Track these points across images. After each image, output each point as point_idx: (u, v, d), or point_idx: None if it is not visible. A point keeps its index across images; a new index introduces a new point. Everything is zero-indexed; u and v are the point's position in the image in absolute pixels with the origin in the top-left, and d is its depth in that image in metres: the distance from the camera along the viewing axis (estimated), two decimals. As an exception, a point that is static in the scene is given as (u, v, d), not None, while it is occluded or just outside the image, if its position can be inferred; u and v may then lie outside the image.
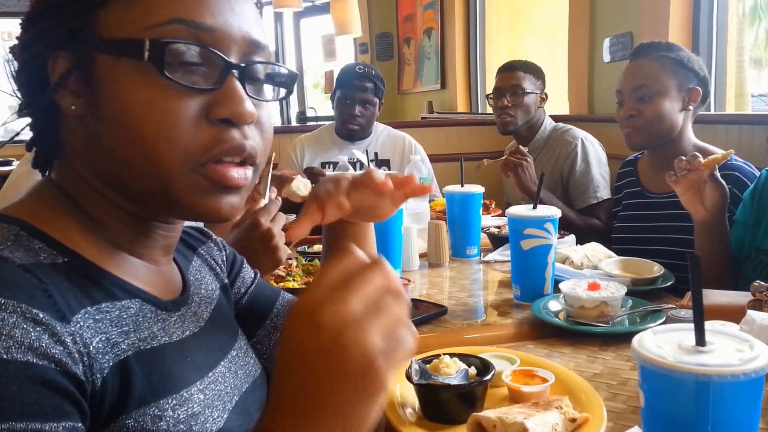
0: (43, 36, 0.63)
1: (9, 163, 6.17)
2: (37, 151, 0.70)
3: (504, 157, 2.30)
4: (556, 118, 2.77)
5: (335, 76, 3.01)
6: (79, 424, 0.53)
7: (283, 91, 0.73)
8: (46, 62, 0.63)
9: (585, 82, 3.27)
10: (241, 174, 0.65)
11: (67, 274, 0.60)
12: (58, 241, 0.62)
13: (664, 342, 0.66)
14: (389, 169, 2.78)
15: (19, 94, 0.67)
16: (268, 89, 0.70)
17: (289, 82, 0.72)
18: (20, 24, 0.66)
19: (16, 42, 0.66)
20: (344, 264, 0.51)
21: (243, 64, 0.64)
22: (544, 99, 2.64)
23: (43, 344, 0.52)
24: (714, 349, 0.64)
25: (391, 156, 2.95)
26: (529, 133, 2.63)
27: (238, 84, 0.63)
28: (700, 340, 0.64)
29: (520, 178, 2.20)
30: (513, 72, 2.61)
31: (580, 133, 2.54)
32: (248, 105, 0.63)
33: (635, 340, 0.67)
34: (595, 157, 2.48)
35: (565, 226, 2.20)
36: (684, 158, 1.44)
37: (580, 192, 2.44)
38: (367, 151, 2.63)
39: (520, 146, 2.31)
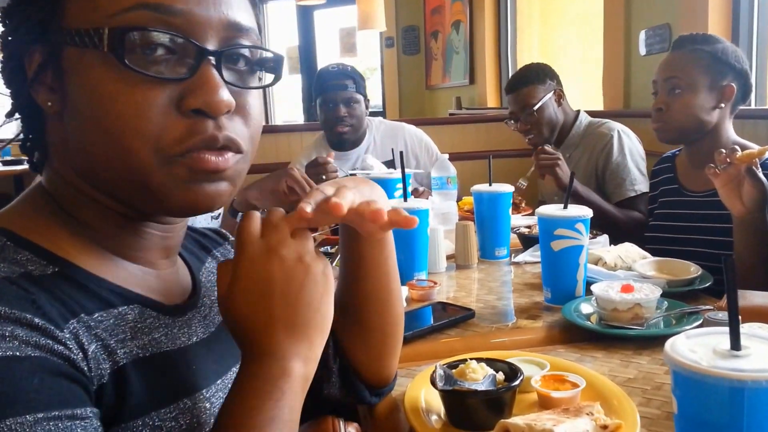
0: (18, 30, 0.62)
1: (21, 162, 6.29)
2: (29, 153, 0.68)
3: (533, 167, 2.23)
4: (591, 114, 2.69)
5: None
6: (96, 410, 0.53)
7: (270, 77, 0.69)
8: (23, 57, 0.62)
9: (621, 76, 3.20)
10: (221, 158, 0.62)
11: (57, 284, 0.58)
12: (47, 250, 0.60)
13: (698, 346, 0.64)
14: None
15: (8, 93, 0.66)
16: (256, 75, 0.67)
17: (276, 66, 0.68)
18: None
19: None
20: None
21: (219, 50, 0.61)
22: (561, 95, 2.54)
23: (48, 343, 0.51)
24: (750, 353, 0.62)
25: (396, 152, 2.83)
26: (561, 134, 2.56)
27: (213, 72, 0.60)
28: (735, 344, 0.62)
29: (558, 177, 2.15)
30: (517, 92, 2.52)
31: (616, 125, 2.46)
32: (223, 94, 0.60)
33: (668, 344, 0.65)
34: (631, 149, 2.40)
35: (604, 221, 2.15)
36: (724, 151, 1.39)
37: (617, 185, 2.35)
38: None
39: (545, 146, 2.26)
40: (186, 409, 0.62)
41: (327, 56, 7.11)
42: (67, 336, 0.54)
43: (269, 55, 0.68)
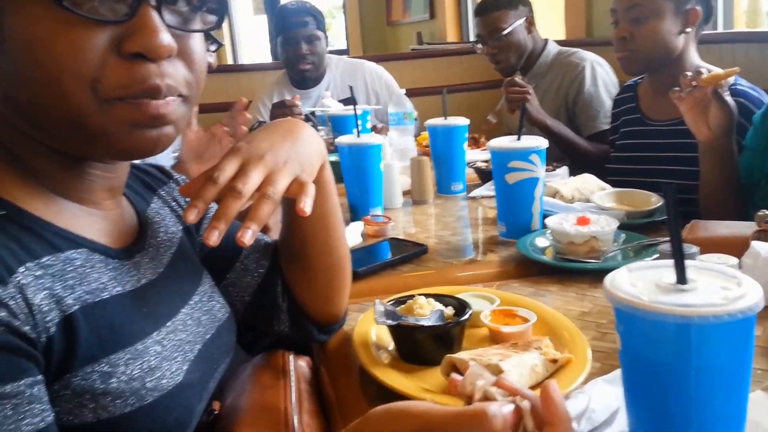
0: None
1: None
2: None
3: (502, 101, 2.18)
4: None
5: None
6: (39, 377, 0.53)
7: (213, 18, 0.65)
8: None
9: (582, 3, 3.11)
10: (162, 104, 0.60)
11: (3, 228, 0.57)
12: None
13: (640, 280, 0.58)
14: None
15: None
16: (197, 17, 0.64)
17: (219, 8, 0.65)
18: None
19: None
20: None
21: None
22: (532, 23, 2.47)
23: None
24: (696, 287, 0.56)
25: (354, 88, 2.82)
26: (528, 62, 2.49)
27: (153, 14, 0.57)
28: (681, 277, 0.57)
29: (529, 111, 2.09)
30: (488, 15, 2.44)
31: (589, 56, 2.38)
32: (163, 37, 0.57)
33: (608, 278, 0.59)
34: (605, 80, 2.34)
35: (575, 155, 2.13)
36: (689, 74, 1.35)
37: (590, 117, 2.30)
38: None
39: (515, 78, 2.18)
40: (137, 354, 0.62)
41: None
42: (12, 292, 0.53)
43: None
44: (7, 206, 0.59)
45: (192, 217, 0.64)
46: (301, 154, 0.74)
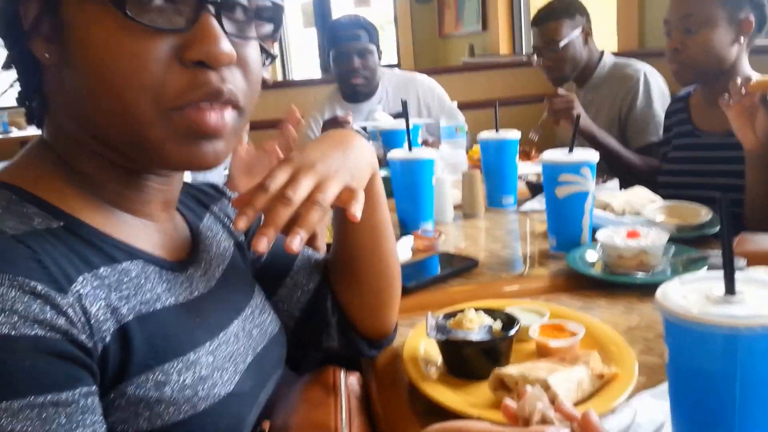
0: None
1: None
2: (27, 107, 0.67)
3: (544, 115, 2.14)
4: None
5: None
6: (93, 387, 0.54)
7: (270, 27, 0.67)
8: (18, 7, 0.60)
9: (635, 14, 3.06)
10: (220, 117, 0.61)
11: (63, 239, 0.58)
12: (52, 205, 0.60)
13: (691, 292, 0.60)
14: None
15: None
16: (253, 26, 0.65)
17: (275, 16, 0.67)
18: None
19: None
20: None
21: (217, 0, 0.59)
22: (589, 34, 2.43)
23: (47, 316, 0.51)
24: (744, 298, 0.58)
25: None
26: (583, 74, 2.46)
27: (213, 22, 0.59)
28: (730, 288, 0.58)
29: (574, 120, 2.07)
30: (545, 25, 2.40)
31: (643, 67, 2.34)
32: (224, 45, 0.59)
33: (659, 290, 0.61)
34: (658, 92, 2.29)
35: (620, 167, 2.09)
36: (739, 80, 1.34)
37: (640, 129, 2.26)
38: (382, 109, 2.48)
39: (559, 89, 2.16)
40: (190, 363, 0.63)
41: (341, 9, 7.00)
42: (71, 301, 0.54)
43: (267, 3, 0.66)
44: (67, 218, 0.60)
45: (242, 224, 0.64)
46: (351, 164, 0.74)
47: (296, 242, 0.64)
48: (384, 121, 2.48)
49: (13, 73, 0.65)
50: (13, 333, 0.49)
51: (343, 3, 7.01)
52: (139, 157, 0.63)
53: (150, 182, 0.68)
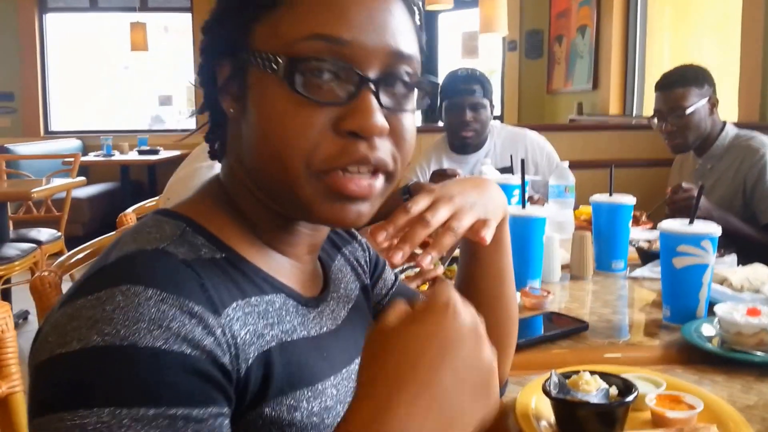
0: (213, 44, 0.71)
1: (156, 152, 6.81)
2: (211, 145, 0.78)
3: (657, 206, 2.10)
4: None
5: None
6: (225, 409, 0.58)
7: (426, 102, 0.73)
8: (215, 67, 0.70)
9: (758, 86, 3.00)
10: (365, 184, 0.67)
11: (223, 268, 0.65)
12: (217, 238, 0.68)
13: None
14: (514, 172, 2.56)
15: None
16: (411, 98, 0.71)
17: (432, 92, 0.73)
18: (201, 29, 0.73)
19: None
20: None
21: (378, 78, 0.66)
22: (715, 104, 2.37)
23: (197, 335, 0.56)
24: None
25: (515, 159, 2.73)
26: (704, 144, 2.40)
27: (371, 98, 0.65)
28: None
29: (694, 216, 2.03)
30: (671, 91, 2.34)
31: None
32: (377, 119, 0.64)
33: None
34: None
35: (740, 244, 2.02)
36: None
37: None
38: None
39: (683, 183, 2.12)
40: (318, 393, 0.68)
41: (448, 59, 7.11)
42: (223, 322, 0.59)
43: (425, 80, 0.72)
44: (228, 251, 0.67)
45: (397, 260, 0.69)
46: (487, 203, 0.80)
47: (427, 260, 0.70)
48: (491, 174, 2.50)
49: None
50: (164, 347, 0.54)
51: (451, 53, 7.12)
52: (290, 209, 0.70)
53: (301, 228, 0.74)
